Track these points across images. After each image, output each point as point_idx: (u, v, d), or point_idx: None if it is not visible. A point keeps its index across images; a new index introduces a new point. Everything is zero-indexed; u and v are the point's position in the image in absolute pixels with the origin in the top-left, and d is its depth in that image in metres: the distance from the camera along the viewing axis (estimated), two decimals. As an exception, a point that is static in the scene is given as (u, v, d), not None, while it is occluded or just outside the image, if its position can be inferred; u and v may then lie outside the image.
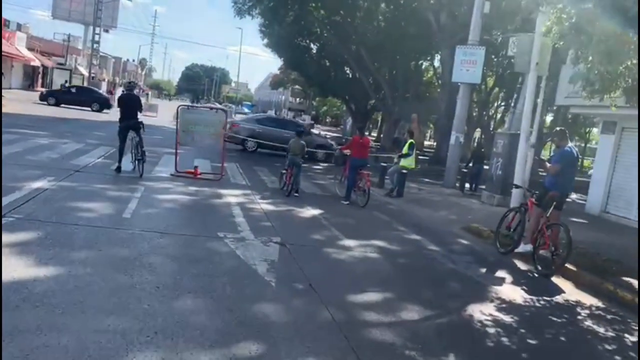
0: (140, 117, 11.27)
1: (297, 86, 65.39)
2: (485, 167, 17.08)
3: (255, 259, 6.05)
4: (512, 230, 8.59)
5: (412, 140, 13.60)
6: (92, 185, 8.97)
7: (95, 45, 52.41)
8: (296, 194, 10.93)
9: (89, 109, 32.85)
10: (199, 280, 5.04)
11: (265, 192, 11.22)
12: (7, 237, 5.39)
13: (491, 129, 40.61)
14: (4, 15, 43.94)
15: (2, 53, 36.31)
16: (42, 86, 49.89)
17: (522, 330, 5.10)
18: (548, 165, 8.05)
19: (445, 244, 8.64)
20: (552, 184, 7.83)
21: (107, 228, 6.41)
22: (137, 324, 3.88)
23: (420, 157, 19.75)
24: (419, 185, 16.07)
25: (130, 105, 11.06)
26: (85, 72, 52.73)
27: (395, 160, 13.93)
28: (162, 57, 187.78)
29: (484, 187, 16.91)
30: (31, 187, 7.97)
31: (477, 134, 43.34)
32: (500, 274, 7.32)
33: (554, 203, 7.66)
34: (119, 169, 10.81)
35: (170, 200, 8.83)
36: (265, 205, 9.58)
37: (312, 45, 39.04)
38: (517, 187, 9.40)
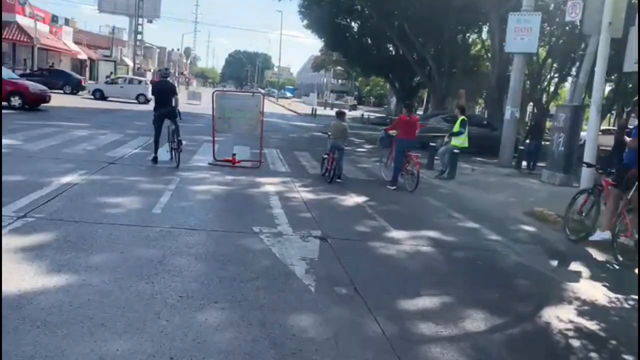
0: (180, 105, 10.82)
1: (339, 67, 64.32)
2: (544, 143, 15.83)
3: (293, 257, 5.39)
4: (584, 214, 7.61)
5: (463, 117, 12.57)
6: (125, 178, 8.55)
7: (138, 36, 53.12)
8: (339, 180, 10.21)
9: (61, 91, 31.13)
10: (228, 286, 4.43)
11: (306, 178, 10.55)
12: (22, 240, 4.96)
13: (544, 102, 38.42)
14: (52, 12, 44.94)
15: (51, 48, 37.14)
16: (90, 79, 50.93)
17: (613, 342, 4.24)
18: (628, 139, 6.98)
19: (507, 232, 7.73)
20: (633, 161, 6.77)
21: (134, 226, 5.90)
22: (150, 347, 3.29)
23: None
24: (472, 165, 15.03)
25: (165, 93, 10.58)
26: (131, 63, 53.53)
27: (446, 139, 12.95)
28: (205, 46, 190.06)
29: (543, 164, 15.77)
30: (60, 183, 7.60)
31: (530, 108, 41.15)
32: (575, 266, 6.40)
33: (637, 183, 6.62)
34: (155, 160, 10.41)
35: (205, 191, 8.30)
36: (305, 194, 8.91)
37: (352, 24, 37.89)
38: (588, 165, 8.31)
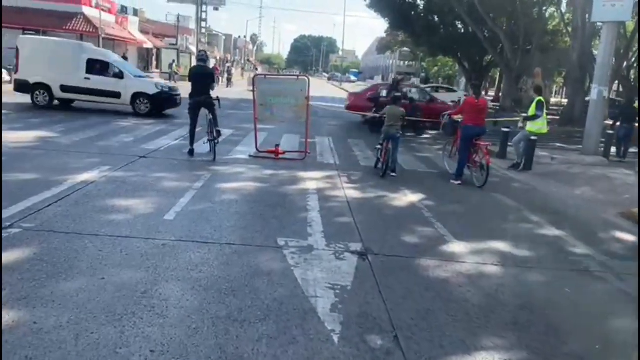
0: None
1: (404, 48, 61.79)
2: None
3: (319, 284, 4.20)
4: None
5: (540, 98, 10.78)
6: (149, 175, 7.67)
7: (203, 24, 53.35)
8: (393, 174, 8.89)
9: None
10: (220, 334, 3.32)
11: (356, 172, 9.29)
12: (-10, 261, 4.08)
13: (632, 80, 34.66)
14: (122, 3, 45.85)
15: (116, 38, 37.72)
16: (156, 67, 51.74)
17: None
18: None
19: (600, 243, 6.15)
20: None
21: (134, 238, 4.92)
22: None
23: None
24: (551, 153, 13.15)
25: (202, 79, 9.63)
26: (195, 51, 53.90)
27: (520, 124, 11.22)
28: (271, 32, 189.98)
29: (634, 151, 13.62)
30: (75, 181, 6.82)
31: (615, 88, 37.41)
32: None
33: None
34: (191, 152, 9.55)
35: (235, 190, 7.24)
36: (350, 192, 7.67)
37: (418, 1, 35.76)
38: None
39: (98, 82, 15.20)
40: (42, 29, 33.93)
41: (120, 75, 15.47)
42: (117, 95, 15.38)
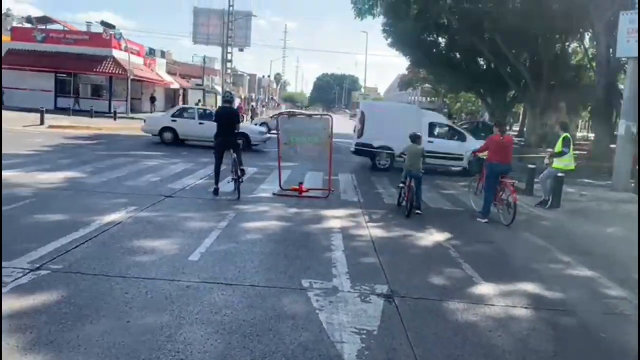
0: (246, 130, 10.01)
1: (427, 85, 62.19)
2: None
3: (345, 328, 4.12)
4: None
5: (566, 134, 10.66)
6: (175, 215, 7.74)
7: (229, 64, 54.76)
8: (418, 212, 8.80)
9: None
10: (245, 380, 3.25)
11: (380, 210, 9.23)
12: (19, 303, 4.14)
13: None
14: (153, 46, 47.51)
15: (144, 79, 38.90)
16: (183, 107, 53.02)
17: None
18: None
19: (635, 285, 5.91)
20: None
21: (159, 280, 4.93)
22: None
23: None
24: (579, 189, 12.89)
25: (228, 120, 9.78)
26: (221, 91, 55.19)
27: (547, 161, 11.06)
28: (294, 71, 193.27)
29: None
30: (102, 222, 6.90)
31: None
32: None
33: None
34: (216, 192, 9.62)
35: (259, 229, 7.24)
36: (375, 231, 7.60)
37: (439, 39, 36.15)
38: None
39: (441, 145, 15.30)
40: (74, 72, 35.30)
41: (463, 138, 15.60)
42: (459, 158, 15.28)
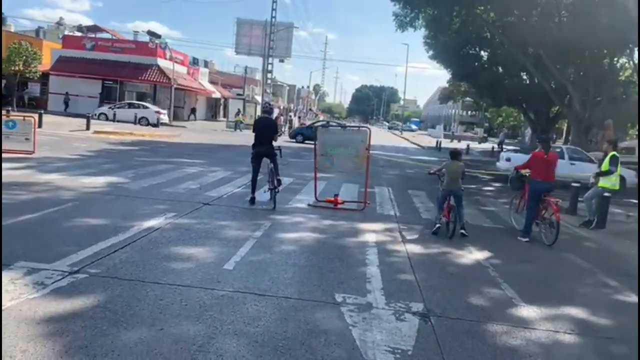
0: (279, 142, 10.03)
1: (467, 98, 61.33)
2: None
3: (378, 347, 4.02)
4: None
5: (614, 153, 10.27)
6: (212, 223, 7.80)
7: (269, 75, 55.52)
8: (463, 232, 8.34)
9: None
10: (275, 395, 3.20)
11: (416, 225, 9.07)
12: (56, 306, 4.21)
13: None
14: (194, 55, 48.74)
15: (187, 88, 39.79)
16: (223, 116, 53.96)
17: None
18: None
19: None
20: None
21: (194, 287, 4.95)
22: None
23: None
24: (626, 210, 12.38)
25: (265, 130, 9.86)
26: (260, 100, 55.93)
27: (592, 179, 10.67)
28: (333, 82, 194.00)
29: None
30: (141, 227, 7.01)
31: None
32: None
33: None
34: (252, 201, 9.68)
35: (293, 240, 7.22)
36: (411, 246, 7.46)
37: (481, 53, 35.66)
38: None
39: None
40: (119, 79, 36.44)
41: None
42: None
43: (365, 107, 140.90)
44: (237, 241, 6.83)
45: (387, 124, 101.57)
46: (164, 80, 35.85)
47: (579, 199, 11.37)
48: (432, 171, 9.43)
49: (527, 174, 9.14)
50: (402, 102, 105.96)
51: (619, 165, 10.18)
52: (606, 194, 10.05)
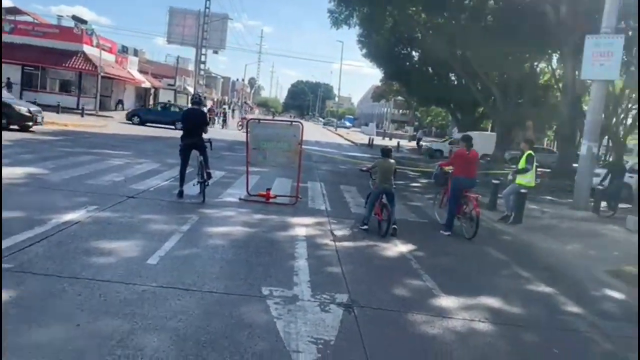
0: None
1: (399, 97, 62.96)
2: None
3: (302, 338, 4.07)
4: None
5: (530, 151, 10.89)
6: (137, 216, 7.57)
7: (202, 66, 54.34)
8: (395, 227, 8.30)
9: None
10: (196, 389, 3.17)
11: (346, 219, 9.22)
12: (-39, 303, 3.93)
13: (621, 136, 35.36)
14: (126, 44, 46.80)
15: (115, 77, 38.20)
16: (153, 106, 52.29)
17: None
18: None
19: (590, 302, 6.07)
20: None
21: (114, 282, 4.79)
22: None
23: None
24: (541, 206, 13.18)
25: (194, 121, 9.68)
26: (192, 92, 54.66)
27: (510, 176, 11.27)
28: (269, 76, 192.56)
29: (623, 206, 13.71)
30: (60, 221, 6.69)
31: (604, 143, 38.10)
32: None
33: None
34: (180, 194, 9.47)
35: (222, 234, 7.14)
36: (340, 240, 7.59)
37: (412, 53, 36.71)
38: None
39: None
40: (41, 66, 34.43)
41: None
42: None
43: (301, 103, 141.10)
44: (162, 235, 6.67)
45: (322, 120, 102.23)
46: (90, 68, 34.16)
47: (499, 195, 11.97)
48: (364, 168, 9.43)
49: (450, 171, 9.52)
50: (337, 99, 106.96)
51: (534, 163, 10.80)
52: (522, 191, 10.65)
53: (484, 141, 29.92)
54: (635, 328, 5.20)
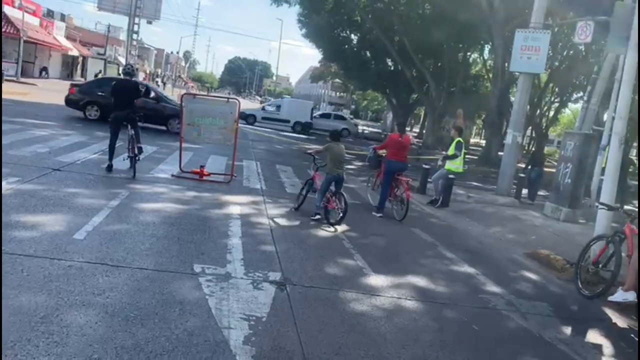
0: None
1: (337, 80, 63.23)
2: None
3: (234, 314, 4.10)
4: (600, 266, 6.38)
5: (459, 139, 11.34)
6: (62, 190, 7.24)
7: (135, 36, 52.08)
8: (342, 215, 7.76)
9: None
10: (124, 365, 3.13)
11: (281, 199, 9.28)
12: None
13: (543, 128, 37.53)
14: (49, 6, 43.86)
15: (39, 42, 35.90)
16: (81, 76, 49.69)
17: None
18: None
19: (507, 282, 6.47)
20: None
21: (38, 257, 4.59)
22: None
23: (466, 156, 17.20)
24: (467, 191, 13.80)
25: (125, 93, 9.33)
26: (124, 62, 52.32)
27: (440, 162, 11.72)
28: (205, 50, 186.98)
29: (542, 194, 14.62)
30: (-24, 192, 6.28)
31: (528, 133, 40.26)
32: (593, 336, 5.15)
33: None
34: (109, 168, 9.15)
35: (153, 211, 6.99)
36: (275, 218, 7.64)
37: (352, 36, 36.94)
38: (607, 208, 6.97)
39: None
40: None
41: None
42: None
43: (238, 79, 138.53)
44: (90, 210, 6.43)
45: (259, 98, 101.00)
46: (12, 31, 31.88)
47: (428, 179, 12.42)
48: (310, 151, 8.81)
49: (384, 154, 9.76)
50: (274, 78, 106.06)
51: (462, 150, 11.26)
52: (451, 176, 11.11)
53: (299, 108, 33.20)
54: (547, 306, 5.64)
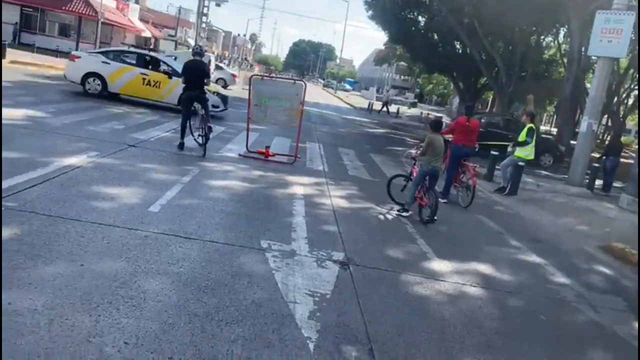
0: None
1: (402, 62, 62.15)
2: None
3: (299, 290, 4.20)
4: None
5: (531, 125, 10.90)
6: (137, 165, 7.61)
7: (204, 18, 53.25)
8: (435, 218, 7.21)
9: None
10: (196, 331, 3.30)
11: (344, 181, 9.32)
12: (-32, 237, 4.01)
13: (621, 116, 35.34)
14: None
15: (115, 24, 37.49)
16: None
17: None
18: None
19: (578, 274, 6.23)
20: None
21: (117, 227, 4.88)
22: None
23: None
24: (537, 180, 13.32)
25: (196, 73, 9.61)
26: (193, 44, 53.75)
27: (510, 149, 11.34)
28: (271, 33, 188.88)
29: (618, 185, 13.87)
30: (61, 164, 6.72)
31: (604, 121, 38.11)
32: (671, 336, 4.87)
33: None
34: (181, 146, 9.50)
35: (222, 187, 7.22)
36: (337, 200, 7.69)
37: (419, 18, 36.02)
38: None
39: None
40: (40, 7, 33.66)
41: None
42: None
43: (302, 62, 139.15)
44: (163, 185, 6.74)
45: (322, 81, 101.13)
46: (90, 13, 33.47)
47: (496, 166, 12.07)
48: (414, 153, 7.97)
49: (450, 139, 9.55)
50: (338, 61, 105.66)
51: (534, 136, 10.84)
52: (520, 163, 10.73)
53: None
54: (621, 301, 5.39)
